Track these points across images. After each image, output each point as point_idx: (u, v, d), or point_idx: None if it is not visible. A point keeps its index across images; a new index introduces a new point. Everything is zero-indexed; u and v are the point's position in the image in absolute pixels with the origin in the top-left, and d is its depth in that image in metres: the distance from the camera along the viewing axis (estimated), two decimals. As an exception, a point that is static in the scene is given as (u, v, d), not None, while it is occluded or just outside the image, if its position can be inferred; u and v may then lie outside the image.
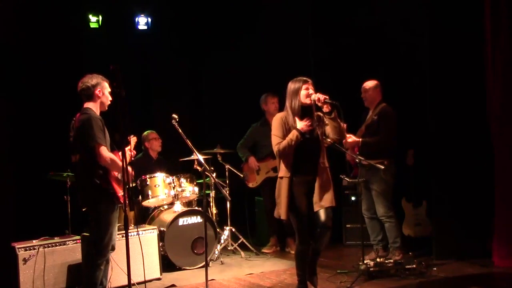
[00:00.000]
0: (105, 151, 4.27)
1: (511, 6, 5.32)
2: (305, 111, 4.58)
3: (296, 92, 4.57)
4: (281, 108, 6.77)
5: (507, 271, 5.19)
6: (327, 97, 4.50)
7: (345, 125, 5.11)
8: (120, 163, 4.23)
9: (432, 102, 5.88)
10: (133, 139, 4.74)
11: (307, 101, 4.54)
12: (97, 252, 4.38)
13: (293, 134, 4.50)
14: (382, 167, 5.45)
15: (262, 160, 6.77)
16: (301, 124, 4.52)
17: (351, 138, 5.65)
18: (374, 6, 6.77)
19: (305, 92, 4.55)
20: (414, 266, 5.19)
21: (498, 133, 5.47)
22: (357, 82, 6.02)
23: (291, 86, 4.63)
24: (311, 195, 4.59)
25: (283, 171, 4.59)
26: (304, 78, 4.61)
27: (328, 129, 4.63)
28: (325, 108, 4.50)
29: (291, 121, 4.58)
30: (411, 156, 6.19)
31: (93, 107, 4.46)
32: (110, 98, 4.52)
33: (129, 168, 4.31)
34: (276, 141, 4.60)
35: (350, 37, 7.01)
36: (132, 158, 4.65)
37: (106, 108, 4.54)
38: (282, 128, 4.59)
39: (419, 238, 6.15)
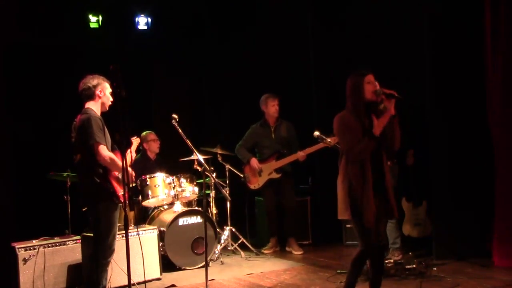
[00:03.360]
0: (103, 150, 4.28)
1: (511, 7, 5.32)
2: (368, 108, 4.01)
3: (357, 88, 3.97)
4: (281, 109, 6.79)
5: (507, 271, 5.19)
6: (394, 92, 3.99)
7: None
8: (120, 163, 4.25)
9: (432, 102, 5.87)
10: (135, 141, 4.75)
11: (373, 97, 3.97)
12: (101, 253, 4.37)
13: (366, 143, 3.92)
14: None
15: (264, 161, 6.75)
16: (377, 129, 3.94)
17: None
18: (374, 6, 6.77)
19: (370, 86, 3.98)
20: (414, 266, 5.18)
21: (498, 133, 5.47)
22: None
23: (351, 82, 4.03)
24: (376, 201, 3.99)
25: (359, 172, 3.95)
26: (364, 71, 4.03)
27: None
28: (391, 110, 3.99)
29: (354, 121, 3.99)
30: (411, 156, 6.19)
31: (94, 107, 4.48)
32: (111, 99, 4.54)
33: (130, 169, 4.32)
34: (348, 143, 3.95)
35: (350, 36, 7.00)
36: (132, 160, 4.66)
37: (107, 109, 4.56)
38: (347, 127, 3.98)
39: (419, 238, 6.15)
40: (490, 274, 5.18)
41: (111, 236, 4.38)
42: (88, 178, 4.37)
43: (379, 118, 4.01)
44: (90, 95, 4.49)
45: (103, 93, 4.51)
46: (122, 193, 4.38)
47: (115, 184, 4.39)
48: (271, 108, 6.72)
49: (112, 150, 4.47)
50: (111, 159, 4.30)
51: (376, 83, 4.01)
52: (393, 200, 4.09)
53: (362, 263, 4.14)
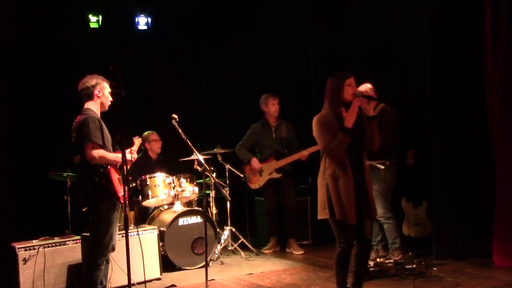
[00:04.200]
0: (94, 151, 4.30)
1: (511, 7, 5.32)
2: (347, 109, 4.16)
3: (338, 88, 4.17)
4: (281, 109, 6.79)
5: (507, 271, 5.19)
6: (373, 95, 4.19)
7: None
8: (111, 157, 4.36)
9: (432, 101, 5.87)
10: (137, 141, 4.76)
11: (352, 99, 4.14)
12: (97, 252, 4.39)
13: (340, 137, 4.08)
14: (382, 167, 5.44)
15: (264, 161, 6.75)
16: (348, 121, 4.07)
17: None
18: (374, 6, 6.77)
19: (350, 88, 4.16)
20: (414, 266, 5.18)
21: (498, 133, 5.47)
22: (357, 80, 6.01)
23: (332, 82, 4.23)
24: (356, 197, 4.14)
25: (337, 170, 4.10)
26: (346, 73, 4.22)
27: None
28: (370, 112, 4.19)
29: (333, 120, 4.15)
30: (411, 156, 6.19)
31: (93, 107, 4.50)
32: (111, 99, 4.56)
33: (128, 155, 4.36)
34: (326, 141, 4.14)
35: (350, 34, 7.00)
36: (133, 160, 4.67)
37: (107, 109, 4.58)
38: (326, 126, 4.16)
39: (419, 238, 6.15)
40: (490, 274, 5.18)
41: (108, 236, 4.40)
42: (88, 178, 4.38)
43: (356, 120, 4.14)
44: (89, 94, 4.51)
45: (102, 93, 4.53)
46: (122, 194, 4.39)
47: (116, 185, 4.39)
48: (272, 107, 6.73)
49: (114, 149, 4.49)
50: (100, 156, 4.32)
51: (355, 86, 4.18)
52: (373, 200, 4.24)
53: (346, 262, 4.23)
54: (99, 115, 4.50)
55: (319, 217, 4.25)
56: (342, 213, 4.05)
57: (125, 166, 3.92)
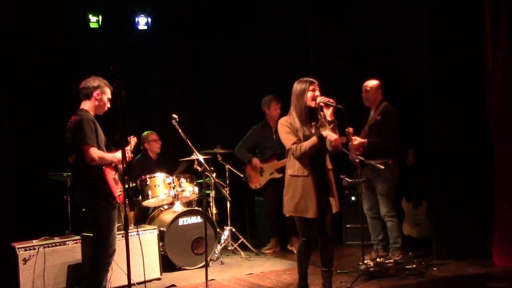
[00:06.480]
0: (93, 152, 4.31)
1: (511, 6, 5.32)
2: (310, 113, 4.43)
3: (302, 93, 4.40)
4: (283, 113, 6.78)
5: (507, 271, 5.19)
6: (332, 100, 4.36)
7: (351, 129, 5.30)
8: (108, 158, 4.39)
9: (432, 101, 5.87)
10: (133, 140, 4.77)
11: (312, 104, 4.39)
12: (103, 253, 4.39)
13: (313, 141, 4.34)
14: (382, 167, 5.45)
15: (266, 161, 6.75)
16: (328, 133, 4.33)
17: (356, 140, 5.59)
18: (374, 6, 6.77)
19: (311, 94, 4.39)
20: (414, 266, 5.19)
21: (498, 133, 5.47)
22: (357, 80, 6.02)
23: (297, 87, 4.46)
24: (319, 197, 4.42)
25: (298, 170, 4.38)
26: (310, 79, 4.44)
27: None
28: (329, 117, 4.38)
29: (297, 124, 4.41)
30: (411, 156, 6.19)
31: (89, 107, 4.51)
32: (109, 105, 4.57)
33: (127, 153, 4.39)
34: (292, 142, 4.38)
35: (350, 34, 7.00)
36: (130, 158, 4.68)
37: (102, 113, 4.59)
38: (290, 130, 4.42)
39: (419, 238, 6.15)
40: (490, 274, 5.18)
41: (111, 235, 4.40)
42: (84, 178, 4.38)
43: (317, 124, 4.45)
44: (87, 94, 4.53)
45: (100, 96, 4.54)
46: (119, 193, 4.40)
47: (111, 185, 4.39)
48: (274, 111, 6.74)
49: (108, 150, 4.49)
50: (100, 158, 4.34)
51: (318, 92, 4.43)
52: (335, 195, 4.49)
53: (307, 254, 4.57)
54: (93, 116, 4.51)
55: (284, 213, 4.58)
56: (298, 209, 4.39)
57: (125, 167, 3.92)
